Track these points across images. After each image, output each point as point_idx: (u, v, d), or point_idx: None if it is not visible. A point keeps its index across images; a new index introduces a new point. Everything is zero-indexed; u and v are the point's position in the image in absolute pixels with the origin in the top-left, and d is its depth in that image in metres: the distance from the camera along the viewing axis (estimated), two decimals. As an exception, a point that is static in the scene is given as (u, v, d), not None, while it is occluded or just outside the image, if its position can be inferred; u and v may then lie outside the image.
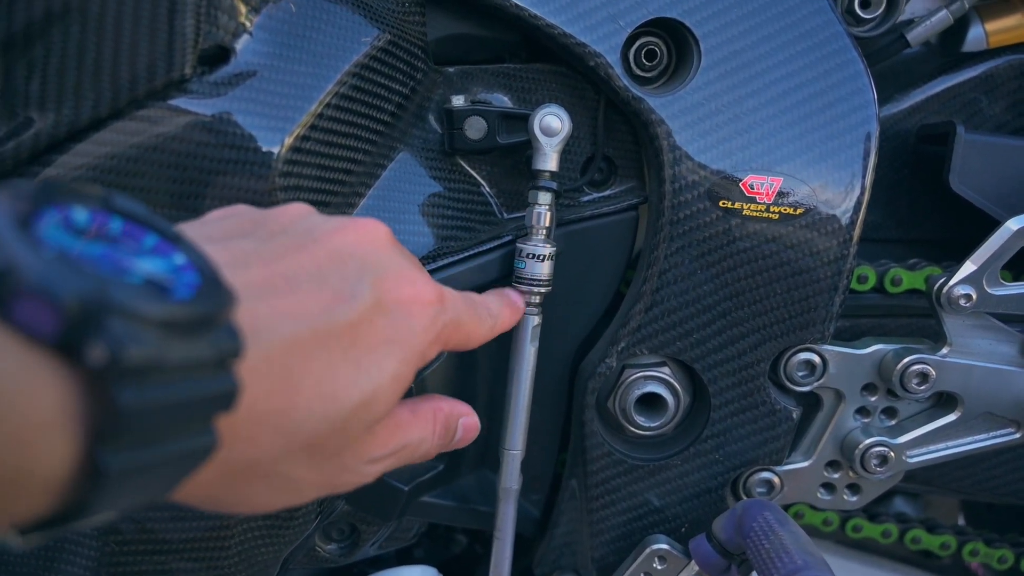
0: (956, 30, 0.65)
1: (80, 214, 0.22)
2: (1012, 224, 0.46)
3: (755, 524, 0.47)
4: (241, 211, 0.33)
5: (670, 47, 0.50)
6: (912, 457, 0.51)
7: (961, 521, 0.90)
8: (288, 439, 0.29)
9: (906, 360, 0.49)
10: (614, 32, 0.48)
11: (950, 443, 0.51)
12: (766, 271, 0.49)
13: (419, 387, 0.52)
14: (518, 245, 0.50)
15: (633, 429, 0.52)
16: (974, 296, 0.47)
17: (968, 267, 0.47)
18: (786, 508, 0.67)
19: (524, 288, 0.50)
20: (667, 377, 0.52)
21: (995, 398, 0.49)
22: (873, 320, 0.57)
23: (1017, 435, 0.50)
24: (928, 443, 0.51)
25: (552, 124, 0.49)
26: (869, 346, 0.51)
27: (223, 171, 0.39)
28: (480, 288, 0.52)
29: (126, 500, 0.21)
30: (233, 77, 0.40)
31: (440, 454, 0.55)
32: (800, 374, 0.51)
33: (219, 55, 0.40)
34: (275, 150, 0.40)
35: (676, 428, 0.53)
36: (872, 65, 0.58)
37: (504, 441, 0.52)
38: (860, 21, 0.52)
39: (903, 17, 0.57)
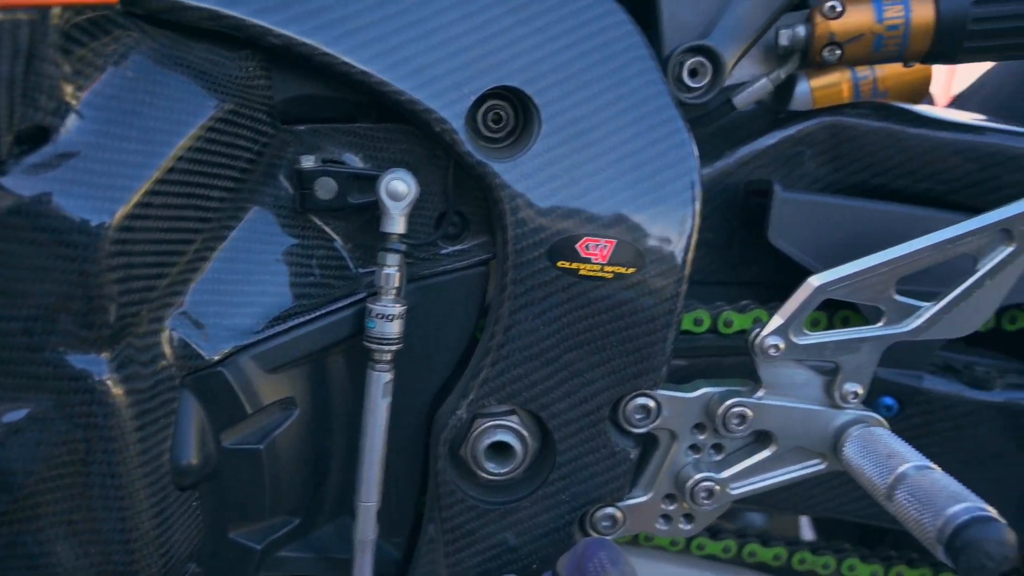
0: (786, 89, 0.72)
1: None
2: (813, 281, 0.51)
3: (590, 564, 0.51)
4: None
5: (517, 110, 0.52)
6: (735, 489, 0.56)
7: (809, 532, 0.99)
8: None
9: (727, 403, 0.54)
10: (459, 99, 0.50)
11: (767, 475, 0.56)
12: (602, 326, 0.52)
13: (270, 448, 0.52)
14: (368, 305, 0.51)
15: (484, 475, 0.55)
16: (782, 346, 0.52)
17: (776, 320, 0.52)
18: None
19: (375, 347, 0.52)
20: (515, 426, 0.54)
21: (804, 434, 0.55)
22: (710, 359, 0.62)
23: (823, 466, 0.56)
24: (749, 476, 0.56)
25: (398, 188, 0.50)
26: (697, 389, 0.55)
27: (45, 255, 0.39)
28: (333, 346, 0.53)
29: None
30: (54, 158, 0.39)
31: (296, 507, 0.56)
32: (637, 417, 0.55)
33: (38, 135, 0.39)
34: (102, 231, 0.40)
35: (526, 472, 0.56)
36: (705, 126, 0.63)
37: (359, 494, 0.54)
38: (689, 89, 0.56)
39: (732, 81, 0.62)
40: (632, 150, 0.51)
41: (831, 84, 0.72)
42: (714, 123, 0.61)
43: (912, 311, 0.52)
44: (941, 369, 0.63)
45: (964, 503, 0.43)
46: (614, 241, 0.51)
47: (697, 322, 0.61)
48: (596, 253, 0.51)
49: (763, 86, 0.59)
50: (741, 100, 0.60)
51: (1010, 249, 0.51)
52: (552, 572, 0.54)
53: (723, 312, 0.60)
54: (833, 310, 0.62)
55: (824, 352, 0.53)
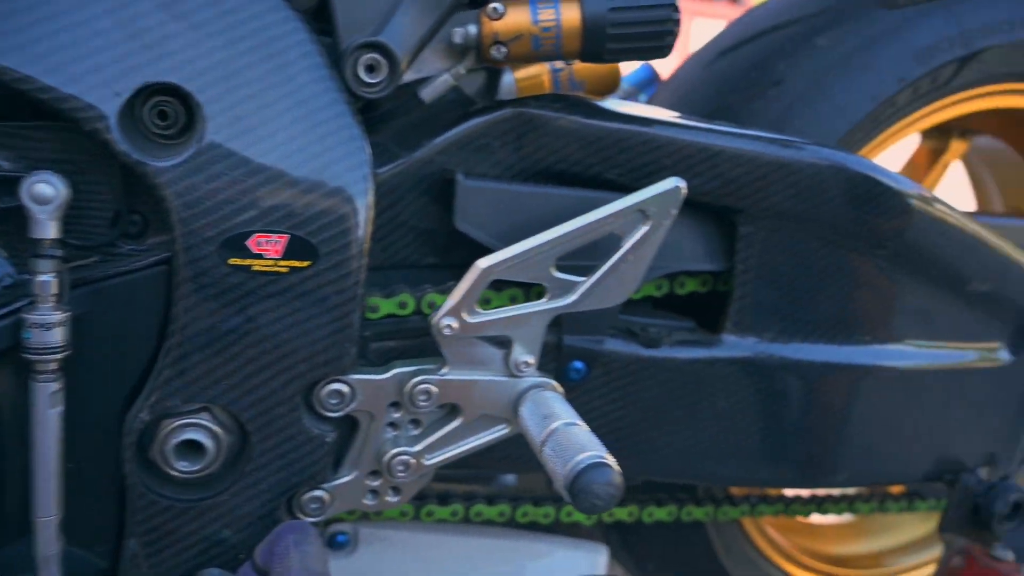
0: (492, 79, 0.76)
1: None
2: (480, 263, 0.56)
3: (279, 547, 0.53)
4: None
5: (185, 108, 0.51)
6: (430, 459, 0.60)
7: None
8: None
9: (412, 381, 0.57)
10: (109, 97, 0.48)
11: (459, 443, 0.61)
12: (282, 319, 0.54)
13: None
14: (23, 316, 0.49)
15: (177, 474, 0.55)
16: (455, 326, 0.56)
17: (449, 302, 0.56)
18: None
19: (35, 358, 0.49)
20: (206, 423, 0.55)
21: (487, 403, 0.60)
22: (416, 341, 0.66)
23: (507, 430, 0.62)
24: (442, 446, 0.60)
25: (44, 192, 0.48)
26: (389, 371, 0.59)
27: None
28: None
29: None
30: None
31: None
32: (332, 402, 0.57)
33: None
34: None
35: (223, 466, 0.56)
36: (397, 118, 0.66)
37: (36, 509, 0.52)
38: (367, 84, 0.58)
39: (422, 75, 0.65)
40: (301, 146, 0.53)
41: (533, 76, 0.77)
42: (406, 115, 0.64)
43: (571, 286, 0.59)
44: (622, 332, 0.71)
45: (587, 452, 0.50)
46: (287, 236, 0.52)
47: (402, 305, 0.64)
48: (269, 248, 0.52)
49: (445, 80, 0.62)
50: (427, 94, 0.63)
51: (646, 228, 0.59)
52: (251, 560, 0.55)
53: (427, 294, 0.64)
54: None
55: (496, 328, 0.58)
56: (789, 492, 0.93)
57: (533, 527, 0.86)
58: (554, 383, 0.61)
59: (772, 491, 0.92)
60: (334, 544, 0.81)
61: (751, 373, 0.72)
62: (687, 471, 0.75)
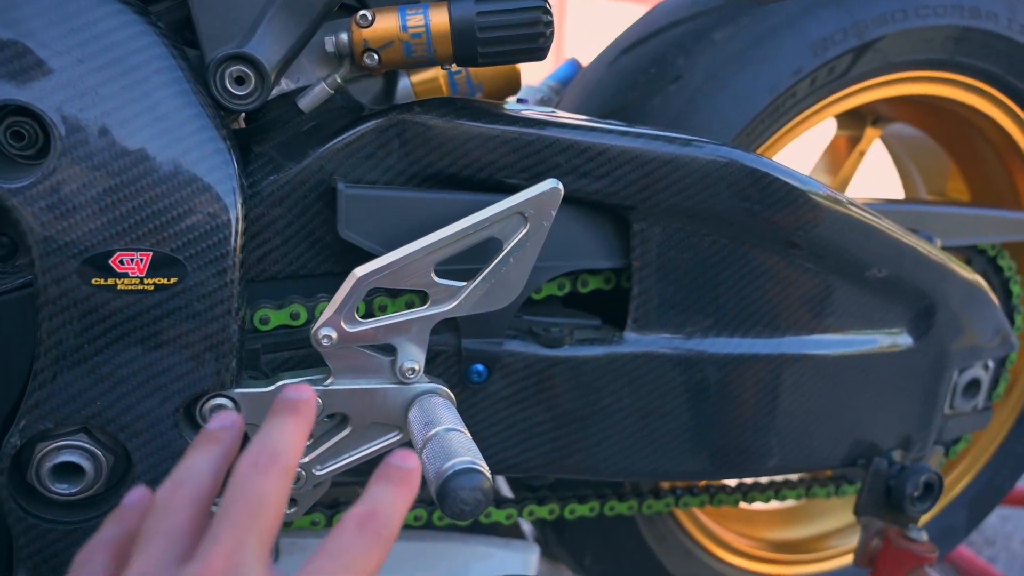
0: (389, 85, 0.76)
1: None
2: (356, 272, 0.56)
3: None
4: None
5: (41, 126, 0.51)
6: (321, 470, 0.60)
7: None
8: None
9: (295, 394, 0.57)
10: (-45, 120, 0.48)
11: (349, 453, 0.61)
12: (152, 338, 0.53)
13: None
14: None
15: (58, 497, 0.54)
16: (334, 336, 0.56)
17: (326, 313, 0.56)
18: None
19: None
20: (83, 444, 0.54)
21: (377, 411, 0.60)
22: (311, 351, 0.65)
23: (399, 436, 0.62)
24: (331, 457, 0.60)
25: None
26: (274, 383, 0.58)
27: None
28: None
29: None
30: None
31: None
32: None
33: None
34: None
35: (107, 486, 0.56)
36: (285, 127, 0.65)
37: (-94, 539, 0.51)
38: (236, 96, 0.58)
39: (299, 84, 0.65)
40: (162, 161, 0.52)
41: (429, 80, 0.77)
42: (286, 125, 0.64)
43: (453, 291, 0.59)
44: (524, 333, 0.71)
45: (457, 458, 0.50)
46: (150, 253, 0.52)
47: (294, 316, 0.63)
48: (132, 267, 0.52)
49: (321, 90, 0.62)
50: (305, 103, 0.63)
51: (526, 230, 0.59)
52: None
53: (320, 304, 0.64)
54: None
55: (378, 336, 0.58)
56: (714, 483, 0.94)
57: (453, 529, 0.87)
58: (444, 389, 0.61)
59: (697, 483, 0.93)
60: (253, 557, 0.81)
61: (655, 368, 0.73)
62: (601, 468, 0.75)
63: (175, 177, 0.52)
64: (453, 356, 0.68)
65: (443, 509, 0.49)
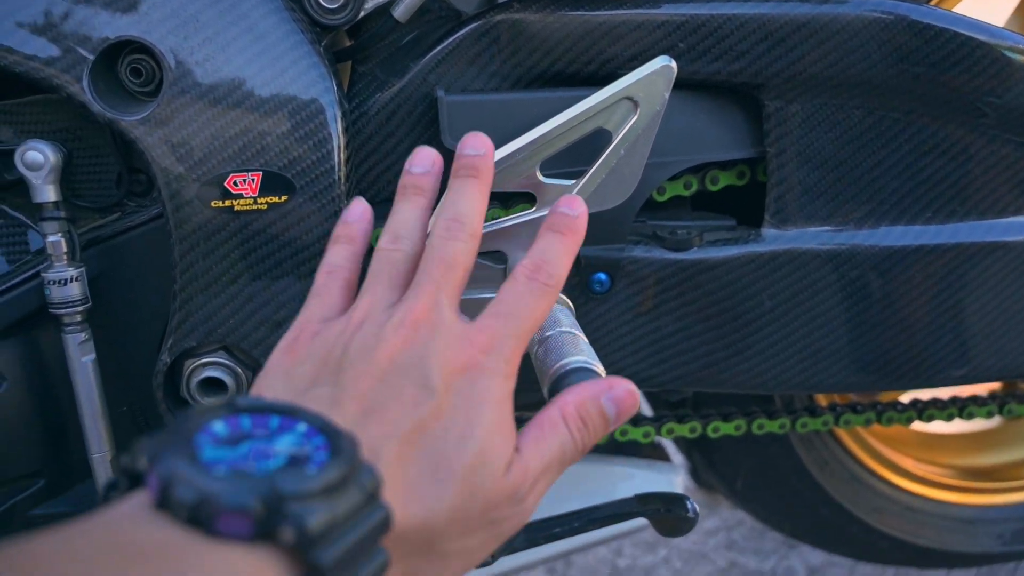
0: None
1: (219, 427, 0.29)
2: (459, 179, 0.54)
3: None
4: (303, 351, 0.39)
5: (155, 61, 0.53)
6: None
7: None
8: (437, 531, 0.34)
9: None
10: (77, 61, 0.51)
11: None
12: (271, 255, 0.55)
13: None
14: (41, 275, 0.54)
15: (207, 410, 0.59)
16: (442, 245, 0.55)
17: (434, 220, 0.55)
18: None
19: (60, 312, 0.54)
20: (224, 360, 0.58)
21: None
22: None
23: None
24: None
25: (35, 159, 0.52)
26: (391, 298, 0.59)
27: None
28: (27, 318, 0.56)
29: None
30: None
31: (35, 471, 0.59)
32: (339, 333, 0.58)
33: None
34: None
35: (249, 400, 0.59)
36: (379, 43, 0.64)
37: (89, 447, 0.57)
38: (327, 11, 0.57)
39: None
40: (262, 82, 0.53)
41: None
42: (385, 39, 0.63)
43: (561, 191, 0.55)
44: (648, 238, 0.66)
45: (573, 357, 0.47)
46: (260, 173, 0.53)
47: (408, 234, 0.63)
48: (246, 188, 0.53)
49: (415, -3, 0.60)
50: (401, 12, 0.61)
51: (635, 117, 0.54)
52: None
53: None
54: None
55: (487, 243, 0.56)
56: (883, 399, 0.85)
57: (595, 450, 0.85)
58: (564, 297, 0.58)
59: (861, 399, 0.84)
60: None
61: (800, 267, 0.65)
62: (741, 381, 0.70)
63: (275, 97, 0.53)
64: (573, 266, 0.65)
65: None
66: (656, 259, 0.65)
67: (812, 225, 0.65)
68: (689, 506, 0.65)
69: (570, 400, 0.41)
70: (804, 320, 0.67)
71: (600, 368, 0.47)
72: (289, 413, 0.30)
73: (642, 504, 0.71)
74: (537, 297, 0.41)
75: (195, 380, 0.58)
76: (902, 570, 1.31)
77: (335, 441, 0.30)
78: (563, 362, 0.47)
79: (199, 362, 0.57)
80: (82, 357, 0.55)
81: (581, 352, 0.48)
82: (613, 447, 0.91)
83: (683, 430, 0.79)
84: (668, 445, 1.03)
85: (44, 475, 0.59)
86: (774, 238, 0.65)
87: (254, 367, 0.59)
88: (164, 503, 0.26)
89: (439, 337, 0.38)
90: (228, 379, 0.58)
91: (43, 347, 0.58)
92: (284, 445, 0.29)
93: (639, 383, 0.69)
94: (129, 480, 0.29)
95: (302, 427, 0.30)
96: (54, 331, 0.57)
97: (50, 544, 0.25)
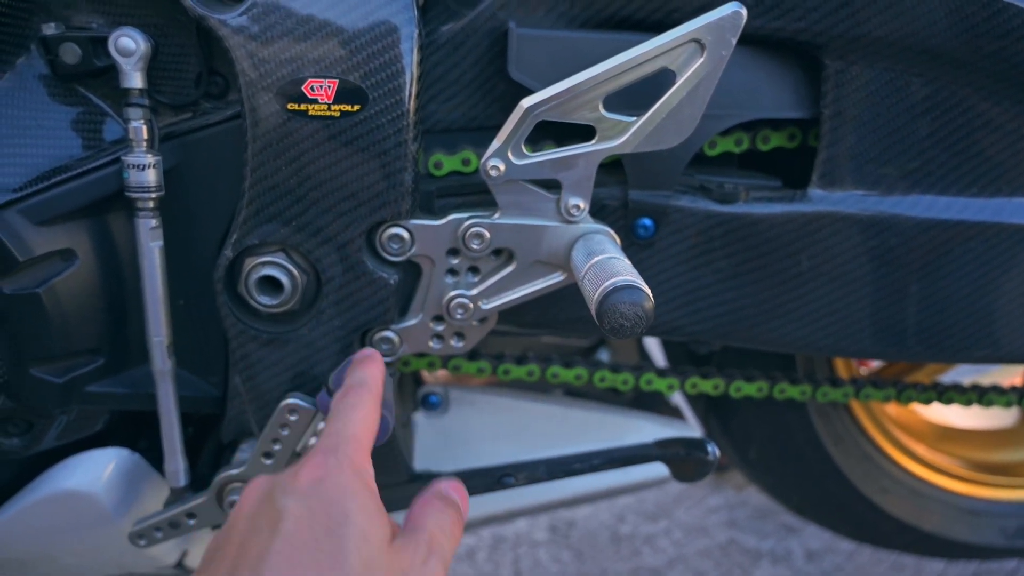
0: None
1: None
2: (524, 102, 0.56)
3: (343, 373, 0.58)
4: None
5: None
6: (487, 304, 0.63)
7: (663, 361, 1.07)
8: None
9: (465, 225, 0.59)
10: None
11: (514, 289, 0.62)
12: (338, 163, 0.57)
13: (50, 293, 0.58)
14: (122, 158, 0.57)
15: (261, 308, 0.61)
16: (502, 168, 0.57)
17: (495, 144, 0.57)
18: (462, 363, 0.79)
19: (135, 196, 0.57)
20: (282, 261, 0.60)
21: (540, 249, 0.61)
22: (480, 197, 0.68)
23: (562, 277, 0.62)
24: (497, 292, 0.62)
25: (127, 45, 0.54)
26: (446, 216, 0.61)
27: None
28: (104, 200, 0.59)
29: None
30: None
31: (96, 348, 0.62)
32: (393, 246, 0.61)
33: None
34: None
35: (301, 302, 0.62)
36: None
37: (148, 331, 0.60)
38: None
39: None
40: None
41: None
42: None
43: (622, 126, 0.57)
44: (695, 189, 0.68)
45: (620, 276, 0.49)
46: (336, 81, 0.56)
47: (465, 162, 0.66)
48: (321, 94, 0.56)
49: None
50: (482, -56, 0.62)
51: (701, 59, 0.55)
52: (326, 388, 0.61)
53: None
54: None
55: (543, 171, 0.58)
56: (903, 377, 0.86)
57: (611, 393, 0.87)
58: (608, 229, 0.60)
59: (883, 374, 0.86)
60: (426, 404, 0.87)
61: (842, 230, 0.67)
62: (772, 338, 0.71)
63: (359, 11, 0.55)
64: (619, 209, 0.67)
65: (601, 325, 0.49)
66: (701, 210, 0.67)
67: (858, 189, 0.66)
68: (710, 449, 0.68)
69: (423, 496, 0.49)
70: (839, 283, 0.69)
71: (646, 287, 0.50)
72: None
73: (661, 448, 0.73)
74: (354, 409, 0.49)
75: (253, 278, 0.60)
76: (899, 561, 1.33)
77: None
78: (612, 281, 0.49)
79: (259, 260, 0.60)
80: (151, 242, 0.58)
81: (629, 273, 0.51)
82: (635, 400, 0.94)
83: (706, 386, 0.81)
84: (685, 411, 1.05)
85: (104, 354, 0.63)
86: (819, 199, 0.67)
87: (308, 272, 0.62)
88: None
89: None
90: (285, 279, 0.60)
91: (115, 231, 0.61)
92: None
93: (672, 331, 0.72)
94: None
95: None
96: (126, 217, 0.60)
97: None
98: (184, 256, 0.63)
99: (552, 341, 1.01)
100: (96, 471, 0.65)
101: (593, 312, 0.50)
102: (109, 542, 0.70)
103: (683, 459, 0.71)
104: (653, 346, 1.12)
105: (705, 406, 1.00)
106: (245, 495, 0.43)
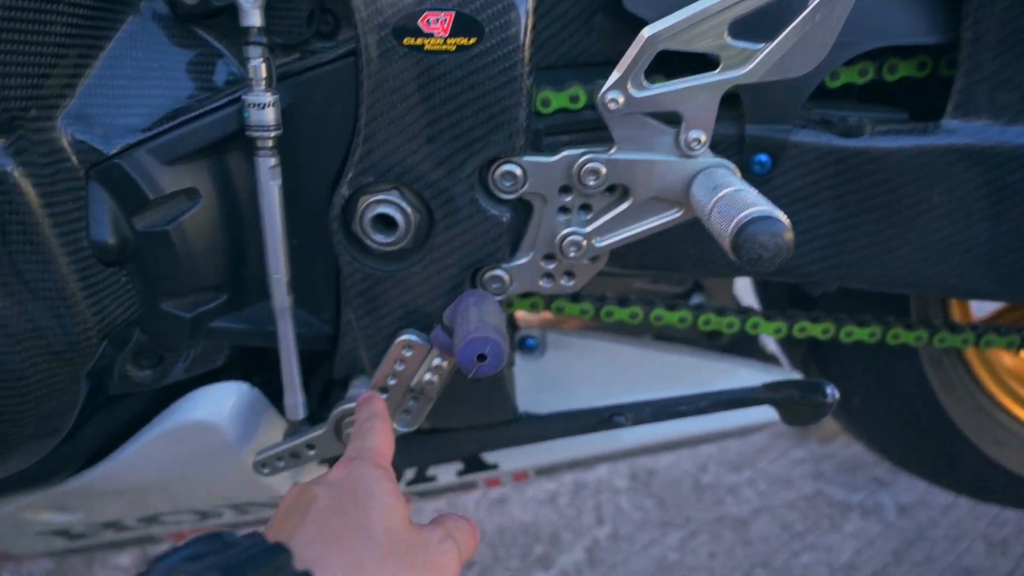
0: None
1: None
2: (645, 31, 0.53)
3: (460, 306, 0.58)
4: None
5: None
6: (600, 242, 0.61)
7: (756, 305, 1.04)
8: None
9: (580, 161, 0.58)
10: None
11: (629, 227, 0.61)
12: (454, 98, 0.57)
13: (178, 231, 0.60)
14: (242, 97, 0.57)
15: (375, 246, 0.62)
16: (621, 100, 0.55)
17: (613, 75, 0.55)
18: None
19: (255, 135, 0.58)
20: (395, 199, 0.61)
21: (657, 185, 0.59)
22: (589, 135, 0.66)
23: (679, 213, 0.60)
24: (611, 229, 0.61)
25: (247, -18, 0.55)
26: (559, 153, 0.60)
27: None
28: (225, 139, 0.60)
29: None
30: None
31: (220, 284, 0.65)
32: (506, 184, 0.60)
33: None
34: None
35: (413, 241, 0.62)
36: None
37: (268, 269, 0.62)
38: None
39: None
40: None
41: None
42: None
43: (747, 55, 0.54)
44: (815, 123, 0.65)
45: (757, 207, 0.47)
46: (453, 13, 0.54)
47: (573, 99, 0.64)
48: (437, 27, 0.55)
49: None
50: None
51: (839, -20, 0.52)
52: (440, 324, 0.62)
53: (599, 87, 0.63)
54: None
55: (664, 103, 0.56)
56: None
57: (714, 336, 0.86)
58: (730, 163, 0.58)
59: (1005, 319, 0.81)
60: (524, 347, 0.87)
61: (979, 164, 0.63)
62: (893, 278, 0.68)
63: (475, -62, 0.53)
64: (735, 144, 0.64)
65: (738, 257, 0.47)
66: (823, 144, 0.64)
67: (999, 121, 0.62)
68: (829, 391, 0.66)
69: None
70: (970, 219, 0.65)
71: (783, 216, 0.48)
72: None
73: (773, 391, 0.71)
74: (373, 431, 0.55)
75: (368, 216, 0.61)
76: (1000, 516, 1.28)
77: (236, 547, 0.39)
78: (747, 211, 0.48)
79: (373, 199, 0.61)
80: (270, 181, 0.59)
81: (764, 203, 0.49)
82: (735, 345, 0.92)
83: (815, 330, 0.78)
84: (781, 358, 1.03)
85: (226, 291, 0.65)
86: (954, 131, 0.62)
87: (421, 211, 0.62)
88: None
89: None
90: (399, 217, 0.61)
91: (235, 171, 0.62)
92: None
93: (786, 272, 0.69)
94: None
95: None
96: (246, 157, 0.62)
97: None
98: (298, 196, 0.64)
99: (643, 286, 0.99)
100: (220, 403, 0.68)
101: (728, 244, 0.48)
102: (229, 472, 0.73)
103: (796, 402, 0.69)
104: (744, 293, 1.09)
105: (804, 352, 0.97)
106: (284, 499, 0.49)
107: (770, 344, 1.10)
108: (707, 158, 0.58)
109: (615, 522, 1.37)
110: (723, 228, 0.49)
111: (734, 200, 0.50)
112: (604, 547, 1.32)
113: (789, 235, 0.47)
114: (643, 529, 1.36)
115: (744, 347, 0.94)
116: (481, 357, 0.52)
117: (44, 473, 0.71)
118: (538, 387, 0.84)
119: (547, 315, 0.87)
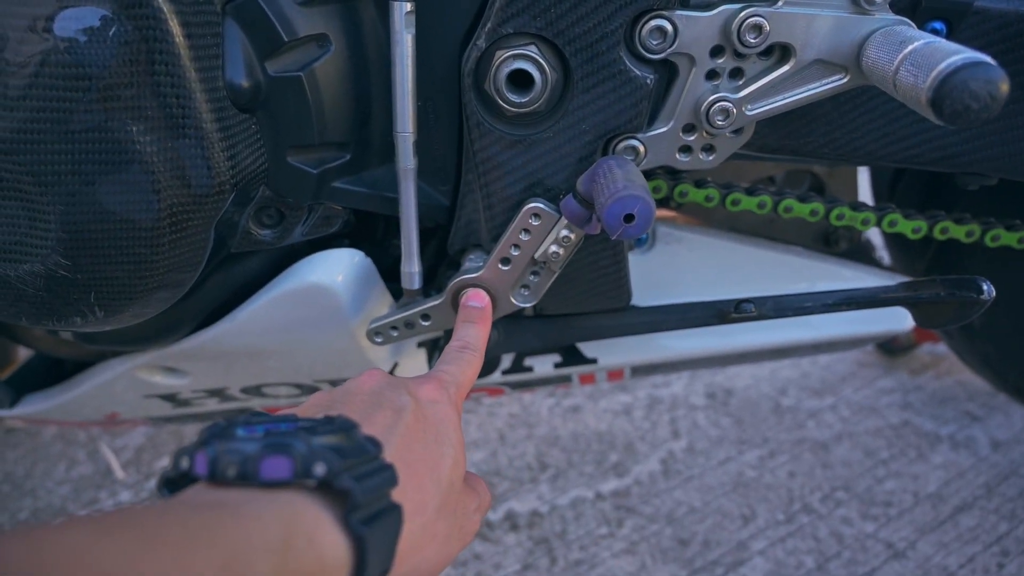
0: None
1: (242, 428, 0.36)
2: None
3: (599, 170, 0.55)
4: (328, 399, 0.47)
5: None
6: (752, 110, 0.57)
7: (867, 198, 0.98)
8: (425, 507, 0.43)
9: (742, 15, 0.53)
10: None
11: (786, 93, 0.56)
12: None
13: (310, 77, 0.58)
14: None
15: (507, 107, 0.59)
16: (798, -59, 0.50)
17: (794, -88, 0.49)
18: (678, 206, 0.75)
19: (393, -25, 0.54)
20: (533, 55, 0.57)
21: (826, 46, 0.54)
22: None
23: (845, 79, 0.55)
24: (766, 95, 0.56)
25: None
26: (716, 8, 0.55)
27: None
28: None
29: (376, 561, 0.34)
30: None
31: (344, 142, 0.63)
32: (654, 42, 0.56)
33: None
34: None
35: (547, 103, 0.59)
36: None
37: (396, 125, 0.60)
38: None
39: None
40: None
41: None
42: None
43: None
44: (1003, -13, 0.58)
45: (961, 54, 0.42)
46: None
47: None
48: None
49: None
50: None
51: None
52: (572, 192, 0.59)
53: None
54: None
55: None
56: None
57: (848, 232, 0.81)
58: (910, 22, 0.52)
59: None
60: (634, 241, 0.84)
61: None
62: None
63: None
64: (905, 11, 0.58)
65: (940, 108, 0.42)
66: (1012, 11, 0.57)
67: None
68: (986, 288, 0.61)
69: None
70: None
71: (987, 56, 0.42)
72: (292, 418, 0.39)
73: (913, 289, 0.67)
74: (467, 364, 0.55)
75: (503, 72, 0.57)
76: (1107, 459, 1.22)
77: (337, 423, 0.38)
78: (954, 58, 0.42)
79: (510, 53, 0.57)
80: (405, 29, 0.56)
81: (967, 51, 0.43)
82: (849, 256, 0.86)
83: (959, 232, 0.73)
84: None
85: (350, 149, 0.63)
86: None
87: (559, 71, 0.58)
88: (213, 474, 0.32)
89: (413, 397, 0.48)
90: (536, 74, 0.57)
91: (365, 19, 0.59)
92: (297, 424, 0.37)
93: (943, 161, 0.64)
94: (177, 485, 0.34)
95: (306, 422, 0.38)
96: (377, 4, 0.58)
97: (117, 517, 0.28)
98: (427, 52, 0.60)
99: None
100: (337, 268, 0.67)
101: (926, 98, 0.43)
102: (339, 339, 0.73)
103: (938, 302, 0.64)
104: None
105: (928, 261, 0.91)
106: (367, 375, 0.49)
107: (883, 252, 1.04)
108: (886, 15, 0.52)
109: (691, 437, 1.36)
110: (918, 82, 0.44)
111: (931, 51, 0.45)
112: (680, 459, 1.31)
113: (1005, 85, 0.41)
114: (720, 446, 1.34)
115: (859, 259, 0.89)
116: (628, 218, 0.49)
117: (163, 330, 0.72)
118: (650, 281, 0.81)
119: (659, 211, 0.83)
